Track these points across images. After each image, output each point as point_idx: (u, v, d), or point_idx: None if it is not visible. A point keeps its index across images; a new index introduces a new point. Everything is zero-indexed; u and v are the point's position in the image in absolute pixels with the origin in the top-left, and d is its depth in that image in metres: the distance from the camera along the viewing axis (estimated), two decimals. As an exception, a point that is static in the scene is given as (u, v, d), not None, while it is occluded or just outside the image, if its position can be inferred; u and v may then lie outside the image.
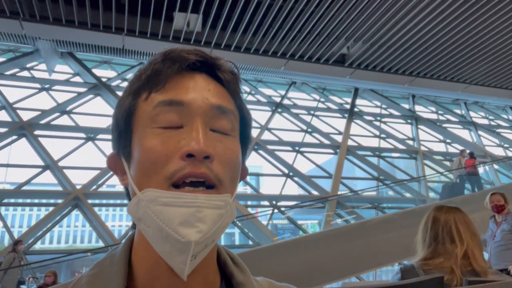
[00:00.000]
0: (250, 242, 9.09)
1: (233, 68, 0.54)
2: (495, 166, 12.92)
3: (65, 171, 8.98)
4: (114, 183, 11.17)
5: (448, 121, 15.45)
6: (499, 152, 14.46)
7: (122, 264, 0.49)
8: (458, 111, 16.27)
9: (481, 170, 13.74)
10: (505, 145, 15.00)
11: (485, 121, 16.46)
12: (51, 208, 8.54)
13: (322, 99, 14.48)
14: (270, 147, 11.39)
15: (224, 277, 0.54)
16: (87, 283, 0.48)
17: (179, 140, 0.46)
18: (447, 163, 13.34)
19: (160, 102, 0.48)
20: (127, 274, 0.49)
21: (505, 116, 17.02)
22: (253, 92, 13.50)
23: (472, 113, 16.28)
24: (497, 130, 15.80)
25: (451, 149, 14.11)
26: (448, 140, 14.35)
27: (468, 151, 10.22)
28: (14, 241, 6.73)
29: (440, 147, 14.18)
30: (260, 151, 11.20)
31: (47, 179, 9.15)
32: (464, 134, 14.93)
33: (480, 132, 15.13)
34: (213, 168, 0.46)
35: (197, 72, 0.51)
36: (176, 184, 0.45)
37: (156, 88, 0.49)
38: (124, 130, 0.51)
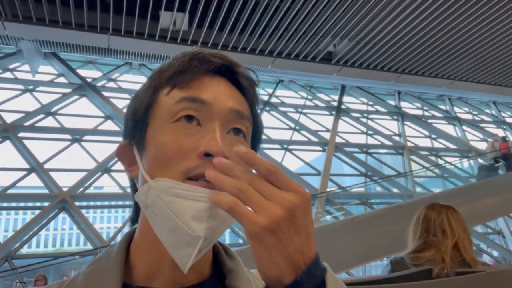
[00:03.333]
0: (240, 241, 9.09)
1: (253, 76, 0.55)
2: (480, 160, 13.16)
3: (51, 173, 8.83)
4: (102, 185, 11.03)
5: (433, 116, 15.67)
6: (483, 146, 14.71)
7: (119, 261, 0.50)
8: (442, 107, 16.51)
9: (466, 164, 14.03)
10: (489, 140, 15.28)
11: (469, 116, 16.74)
12: (37, 212, 8.39)
13: (309, 97, 14.54)
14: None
15: (215, 266, 0.55)
16: (84, 279, 0.49)
17: (198, 139, 0.47)
18: (433, 158, 13.54)
19: (183, 98, 0.49)
20: (124, 271, 0.49)
21: (488, 111, 17.35)
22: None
23: (456, 109, 16.54)
24: (481, 125, 16.11)
25: (436, 144, 14.33)
26: (433, 136, 14.56)
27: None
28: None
29: (426, 143, 14.38)
30: (249, 150, 11.19)
31: (33, 182, 8.98)
32: (449, 129, 15.18)
33: (464, 127, 15.39)
34: None
35: (220, 76, 0.53)
36: (191, 179, 0.46)
37: (180, 85, 0.50)
38: (141, 120, 0.51)
